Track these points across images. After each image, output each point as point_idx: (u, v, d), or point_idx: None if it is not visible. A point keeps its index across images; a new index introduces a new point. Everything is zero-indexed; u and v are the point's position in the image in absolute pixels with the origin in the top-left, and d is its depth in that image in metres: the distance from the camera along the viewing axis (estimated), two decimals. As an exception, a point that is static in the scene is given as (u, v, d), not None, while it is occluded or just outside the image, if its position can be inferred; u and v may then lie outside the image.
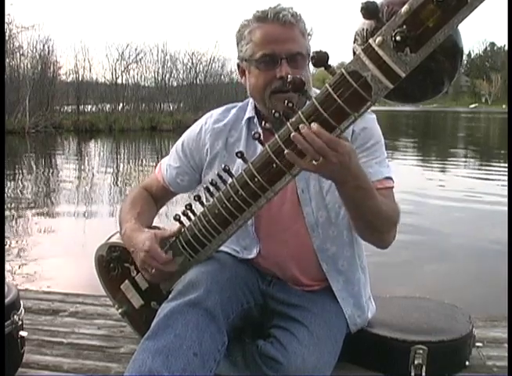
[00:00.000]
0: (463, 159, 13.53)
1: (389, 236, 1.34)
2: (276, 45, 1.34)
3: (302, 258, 1.48)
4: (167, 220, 3.01)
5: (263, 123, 1.12)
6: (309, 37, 1.41)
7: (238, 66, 1.46)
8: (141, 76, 25.79)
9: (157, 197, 1.66)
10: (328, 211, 1.44)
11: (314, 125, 1.01)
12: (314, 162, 1.06)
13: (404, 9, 0.86)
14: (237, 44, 1.43)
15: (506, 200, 5.83)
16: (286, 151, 1.06)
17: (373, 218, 1.25)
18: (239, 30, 1.40)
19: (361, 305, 1.54)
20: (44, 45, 22.92)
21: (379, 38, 0.89)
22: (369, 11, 0.90)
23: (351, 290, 1.51)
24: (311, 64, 1.05)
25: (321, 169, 1.08)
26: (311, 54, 0.98)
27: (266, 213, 1.42)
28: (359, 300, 1.53)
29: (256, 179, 1.13)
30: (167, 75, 26.26)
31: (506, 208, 5.55)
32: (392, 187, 1.41)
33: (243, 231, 1.46)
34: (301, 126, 1.02)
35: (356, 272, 1.52)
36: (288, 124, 1.04)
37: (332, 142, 1.03)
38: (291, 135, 1.04)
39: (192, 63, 26.87)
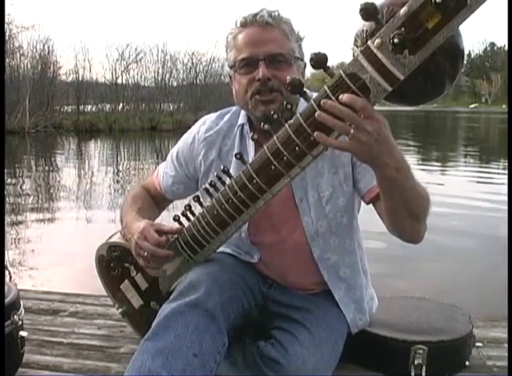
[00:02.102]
0: (463, 160, 13.51)
1: (424, 226, 1.23)
2: (254, 48, 1.32)
3: (302, 267, 1.48)
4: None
5: (261, 124, 1.11)
6: (299, 41, 1.38)
7: (230, 76, 1.44)
8: (141, 76, 25.81)
9: (156, 200, 1.66)
10: (328, 221, 1.42)
11: (344, 96, 0.93)
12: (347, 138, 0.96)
13: (403, 10, 0.85)
14: (226, 52, 1.41)
15: (505, 201, 5.82)
16: (315, 133, 0.97)
17: (413, 202, 1.13)
18: (226, 38, 1.39)
19: (362, 309, 1.53)
20: (44, 45, 22.95)
21: (377, 40, 0.88)
22: (367, 12, 0.89)
23: (353, 295, 1.50)
24: (309, 65, 1.04)
25: (355, 144, 0.96)
26: (310, 56, 0.96)
27: (264, 223, 1.42)
28: (361, 304, 1.53)
29: (254, 181, 1.13)
30: (167, 75, 26.25)
31: (505, 209, 5.55)
32: None
33: (242, 239, 1.46)
34: (323, 101, 0.94)
35: (358, 278, 1.51)
36: (286, 125, 1.04)
37: (367, 109, 0.93)
38: (316, 114, 0.95)
39: (192, 63, 26.83)
